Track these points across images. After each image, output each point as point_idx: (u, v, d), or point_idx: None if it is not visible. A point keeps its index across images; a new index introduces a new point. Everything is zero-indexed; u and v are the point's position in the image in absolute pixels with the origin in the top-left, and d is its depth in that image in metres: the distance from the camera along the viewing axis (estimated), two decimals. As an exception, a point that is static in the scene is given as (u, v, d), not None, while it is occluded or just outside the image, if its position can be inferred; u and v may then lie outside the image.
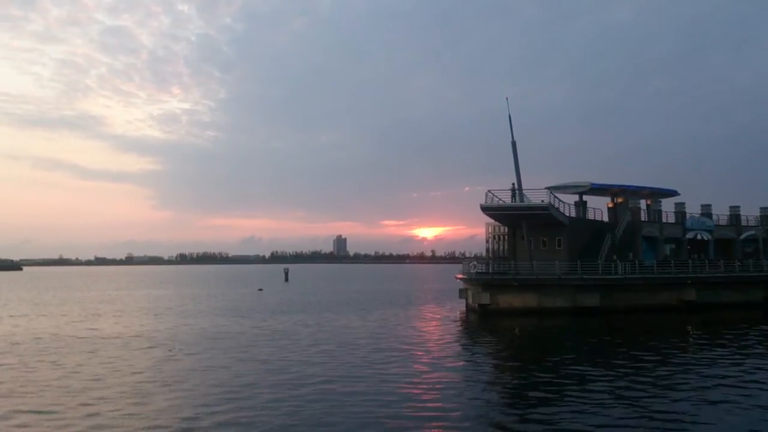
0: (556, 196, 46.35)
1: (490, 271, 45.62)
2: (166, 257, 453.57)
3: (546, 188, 46.52)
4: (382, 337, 31.08)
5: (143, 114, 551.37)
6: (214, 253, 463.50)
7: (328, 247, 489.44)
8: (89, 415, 15.68)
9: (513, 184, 45.29)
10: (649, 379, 19.87)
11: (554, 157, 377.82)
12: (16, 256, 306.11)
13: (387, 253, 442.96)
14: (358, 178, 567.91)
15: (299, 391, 18.26)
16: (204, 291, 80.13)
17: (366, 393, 18.04)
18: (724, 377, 20.16)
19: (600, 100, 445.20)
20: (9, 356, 25.48)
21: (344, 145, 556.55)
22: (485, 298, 41.46)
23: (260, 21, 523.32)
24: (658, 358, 24.43)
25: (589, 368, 22.11)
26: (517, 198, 44.17)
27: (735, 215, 55.27)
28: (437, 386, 19.11)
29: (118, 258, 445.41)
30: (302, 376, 20.61)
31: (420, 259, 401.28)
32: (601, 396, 17.58)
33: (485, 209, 43.96)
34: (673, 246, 51.98)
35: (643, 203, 52.97)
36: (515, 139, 46.26)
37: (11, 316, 44.32)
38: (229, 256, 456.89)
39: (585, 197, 53.17)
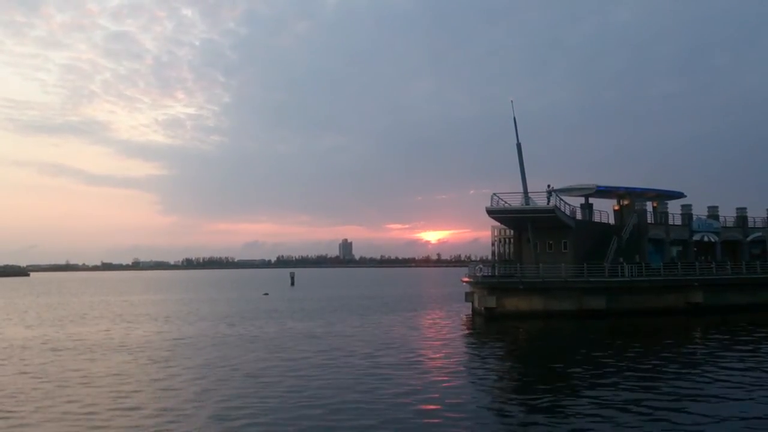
0: (561, 199, 46.25)
1: (496, 274, 45.54)
2: (172, 262, 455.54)
3: (552, 190, 46.47)
4: (388, 340, 31.11)
5: (148, 119, 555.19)
6: (219, 257, 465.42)
7: (333, 251, 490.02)
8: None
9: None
10: (657, 383, 19.83)
11: (559, 159, 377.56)
12: (22, 262, 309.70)
13: (392, 257, 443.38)
14: (362, 181, 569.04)
15: (304, 393, 18.35)
16: (218, 295, 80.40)
17: (370, 396, 18.10)
18: (732, 380, 20.11)
19: (604, 101, 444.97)
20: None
21: (348, 149, 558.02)
22: (491, 302, 41.41)
23: (263, 25, 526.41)
24: (666, 360, 24.35)
25: (596, 371, 22.06)
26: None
27: (742, 217, 54.99)
28: (443, 389, 19.14)
29: (124, 263, 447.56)
30: (307, 378, 20.73)
31: (425, 262, 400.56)
32: (607, 399, 17.55)
33: (491, 212, 43.97)
34: (680, 248, 51.76)
35: (649, 205, 52.83)
36: (520, 141, 46.29)
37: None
38: (235, 260, 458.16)
39: (591, 199, 53.02)
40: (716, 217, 53.84)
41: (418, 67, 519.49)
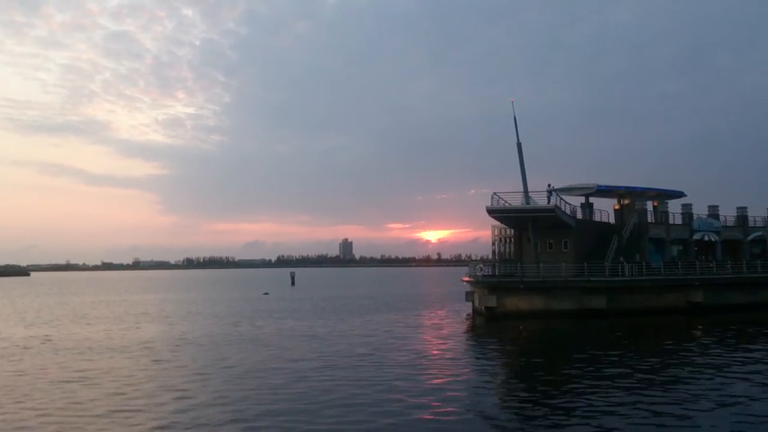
0: (562, 198, 46.27)
1: (497, 273, 45.55)
2: (172, 262, 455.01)
3: (552, 190, 46.47)
4: (389, 340, 31.11)
5: (148, 119, 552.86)
6: (220, 257, 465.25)
7: (333, 251, 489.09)
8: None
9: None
10: (657, 382, 19.84)
11: (559, 158, 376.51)
12: (23, 262, 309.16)
13: (393, 257, 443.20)
14: (362, 181, 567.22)
15: (305, 393, 18.35)
16: (218, 295, 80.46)
17: (370, 396, 18.09)
18: (733, 379, 20.10)
19: (604, 101, 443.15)
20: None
21: (348, 149, 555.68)
22: (492, 301, 41.41)
23: (264, 25, 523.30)
24: (666, 360, 24.38)
25: (597, 371, 22.06)
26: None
27: (742, 216, 55.00)
28: (444, 389, 19.12)
29: (124, 263, 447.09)
30: (308, 378, 20.72)
31: (426, 262, 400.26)
32: (608, 399, 17.54)
33: (491, 212, 43.95)
34: (680, 247, 51.76)
35: (649, 205, 52.74)
36: (521, 140, 46.26)
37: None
38: (236, 260, 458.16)
39: (591, 199, 53.05)
40: (717, 217, 53.81)
41: (418, 67, 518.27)
